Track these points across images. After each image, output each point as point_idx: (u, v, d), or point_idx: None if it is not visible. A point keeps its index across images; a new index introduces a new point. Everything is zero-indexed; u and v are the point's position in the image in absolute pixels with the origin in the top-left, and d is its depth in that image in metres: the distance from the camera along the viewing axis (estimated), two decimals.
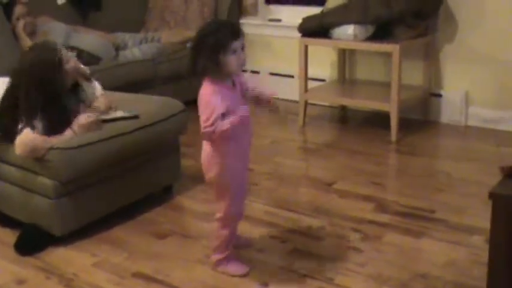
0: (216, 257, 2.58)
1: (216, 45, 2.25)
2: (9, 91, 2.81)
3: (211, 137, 2.32)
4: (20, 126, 2.73)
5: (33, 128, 2.71)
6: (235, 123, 2.29)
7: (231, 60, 2.27)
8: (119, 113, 3.02)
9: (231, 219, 2.51)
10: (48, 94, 2.74)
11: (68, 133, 2.77)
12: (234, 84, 2.39)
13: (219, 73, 2.30)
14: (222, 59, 2.26)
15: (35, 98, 2.71)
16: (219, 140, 2.34)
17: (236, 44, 2.27)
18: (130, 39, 4.74)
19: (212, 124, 2.26)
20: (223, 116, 2.28)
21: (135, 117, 3.02)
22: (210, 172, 2.44)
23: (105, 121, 2.92)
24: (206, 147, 2.43)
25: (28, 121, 2.72)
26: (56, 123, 2.76)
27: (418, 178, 3.54)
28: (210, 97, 2.29)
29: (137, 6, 5.29)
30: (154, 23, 5.22)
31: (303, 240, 2.84)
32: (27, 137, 2.71)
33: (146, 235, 2.93)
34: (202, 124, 2.29)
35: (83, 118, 2.83)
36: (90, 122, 2.83)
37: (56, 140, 2.73)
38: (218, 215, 2.51)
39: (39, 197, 2.81)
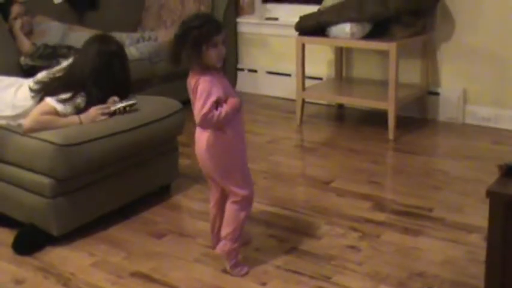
0: (227, 244, 2.54)
1: (200, 39, 2.37)
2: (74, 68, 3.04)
3: (210, 123, 2.40)
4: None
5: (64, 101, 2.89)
6: (230, 112, 2.40)
7: (211, 53, 2.39)
8: (119, 104, 3.04)
9: (247, 200, 2.55)
10: (114, 83, 3.02)
11: (74, 119, 2.89)
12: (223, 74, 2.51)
13: (200, 64, 2.41)
14: (204, 52, 2.39)
15: (100, 80, 2.95)
16: (218, 126, 2.43)
17: (218, 39, 2.40)
18: (127, 38, 4.73)
19: (210, 110, 2.36)
20: (217, 103, 2.39)
21: (134, 104, 3.06)
22: (212, 161, 2.49)
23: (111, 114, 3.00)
24: (201, 138, 2.49)
25: (75, 95, 2.92)
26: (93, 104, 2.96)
27: (415, 176, 3.54)
28: (205, 84, 2.39)
29: (134, 6, 5.28)
30: (150, 22, 5.21)
31: (301, 239, 2.84)
32: (47, 104, 2.87)
33: (144, 234, 2.93)
34: (199, 111, 2.37)
35: (93, 109, 2.94)
36: (98, 114, 2.94)
37: (62, 121, 2.86)
38: (234, 198, 2.54)
39: (36, 197, 2.80)
